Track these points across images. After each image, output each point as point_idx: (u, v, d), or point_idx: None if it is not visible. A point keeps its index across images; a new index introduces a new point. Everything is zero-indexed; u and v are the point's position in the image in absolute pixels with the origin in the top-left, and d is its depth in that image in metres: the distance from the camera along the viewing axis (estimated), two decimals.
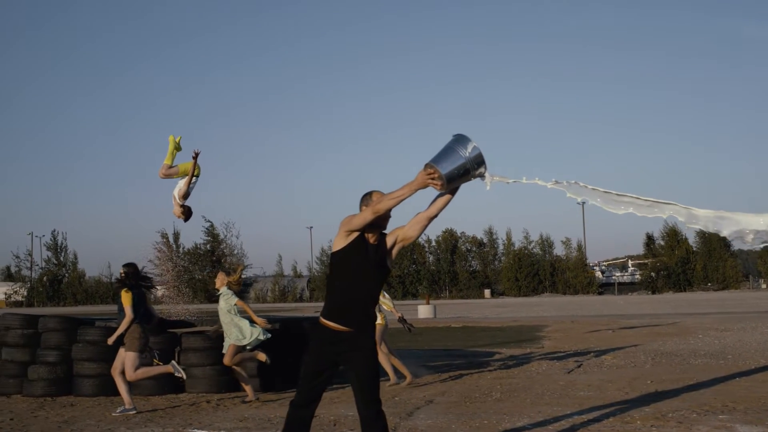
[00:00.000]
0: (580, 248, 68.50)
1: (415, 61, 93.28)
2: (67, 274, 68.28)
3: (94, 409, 7.91)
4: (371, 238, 4.36)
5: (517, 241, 68.30)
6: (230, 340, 8.43)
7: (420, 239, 67.92)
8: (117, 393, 8.34)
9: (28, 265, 68.93)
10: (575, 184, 4.21)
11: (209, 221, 65.80)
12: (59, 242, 67.90)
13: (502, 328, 21.30)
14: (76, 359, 8.75)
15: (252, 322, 8.70)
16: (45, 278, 67.21)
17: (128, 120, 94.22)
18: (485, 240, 68.93)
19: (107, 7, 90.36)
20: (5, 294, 66.64)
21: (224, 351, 8.44)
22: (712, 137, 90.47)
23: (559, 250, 68.77)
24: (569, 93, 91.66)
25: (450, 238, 67.71)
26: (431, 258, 67.62)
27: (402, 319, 9.58)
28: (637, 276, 71.79)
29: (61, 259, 68.13)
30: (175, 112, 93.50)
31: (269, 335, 8.53)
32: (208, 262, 64.55)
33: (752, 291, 62.95)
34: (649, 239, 73.44)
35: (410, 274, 66.47)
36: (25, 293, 66.62)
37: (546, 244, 68.37)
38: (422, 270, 66.98)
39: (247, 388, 8.30)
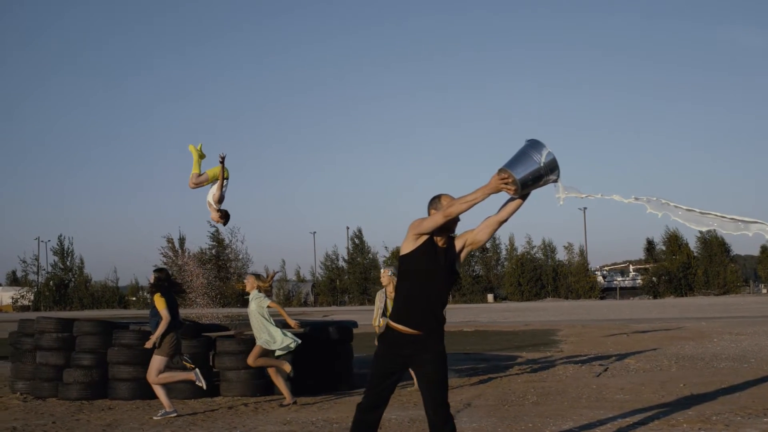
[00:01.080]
0: (582, 253, 68.58)
1: (417, 66, 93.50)
2: (73, 279, 68.63)
3: (134, 412, 7.93)
4: (440, 241, 4.39)
5: (520, 246, 68.42)
6: (259, 342, 8.46)
7: None
8: (153, 396, 8.40)
9: (35, 269, 69.42)
10: (656, 200, 4.17)
11: (214, 226, 65.80)
12: (66, 247, 68.26)
13: (515, 332, 21.33)
14: (112, 363, 8.78)
15: (285, 327, 8.73)
16: (51, 283, 67.47)
17: (132, 125, 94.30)
18: (488, 245, 68.93)
19: (113, 13, 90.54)
20: (12, 298, 66.97)
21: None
22: (711, 143, 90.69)
23: (561, 255, 68.90)
24: (567, 98, 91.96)
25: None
26: None
27: None
28: (639, 281, 71.86)
29: (68, 263, 68.41)
30: (180, 118, 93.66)
31: (299, 342, 8.48)
32: (213, 267, 64.68)
33: (753, 296, 62.97)
34: (650, 244, 73.59)
35: None
36: (32, 297, 66.92)
37: (548, 249, 68.41)
38: None
39: (285, 392, 8.32)
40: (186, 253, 63.66)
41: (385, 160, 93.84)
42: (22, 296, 66.79)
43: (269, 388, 8.98)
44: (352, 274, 65.96)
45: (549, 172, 4.15)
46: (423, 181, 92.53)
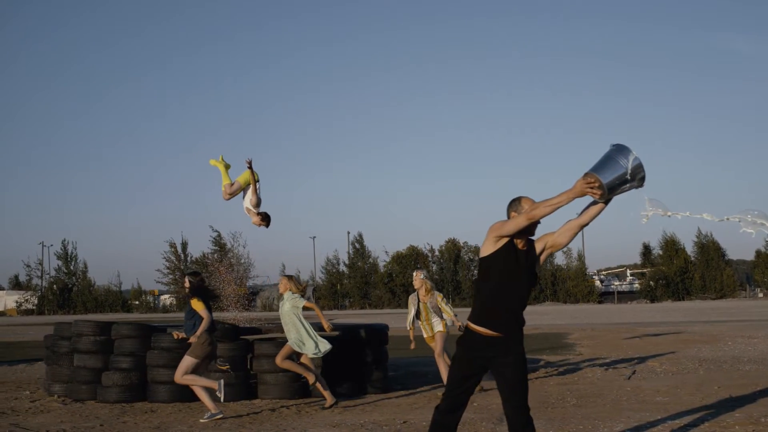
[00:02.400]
0: (581, 258, 68.79)
1: (419, 72, 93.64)
2: (77, 283, 68.72)
3: (177, 415, 7.96)
4: (520, 243, 4.41)
5: None
6: (289, 342, 8.49)
7: (424, 249, 68.15)
8: (192, 399, 8.45)
9: (39, 273, 69.65)
10: (747, 218, 4.16)
11: (216, 231, 66.05)
12: (69, 251, 68.31)
13: (525, 336, 21.36)
14: (151, 366, 8.79)
15: (320, 330, 8.75)
16: (55, 286, 67.55)
17: (135, 130, 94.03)
18: None
19: (114, 17, 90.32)
20: (17, 302, 66.95)
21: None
22: (704, 148, 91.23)
23: (559, 260, 69.07)
24: (563, 104, 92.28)
25: (453, 248, 67.77)
26: (435, 267, 67.65)
27: (463, 328, 9.56)
28: (636, 285, 72.19)
29: (71, 268, 68.42)
30: (181, 123, 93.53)
31: (330, 347, 8.46)
32: (215, 271, 64.59)
33: (750, 300, 63.29)
34: (646, 249, 74.00)
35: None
36: (36, 301, 67.03)
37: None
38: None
39: (326, 394, 8.34)
40: (188, 258, 63.89)
41: (385, 166, 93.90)
42: (26, 300, 66.81)
43: (307, 391, 9.02)
44: (352, 279, 65.97)
45: (635, 177, 4.19)
46: (421, 187, 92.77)
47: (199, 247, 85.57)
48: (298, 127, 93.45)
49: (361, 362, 9.44)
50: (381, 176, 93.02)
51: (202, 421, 7.47)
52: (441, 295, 9.50)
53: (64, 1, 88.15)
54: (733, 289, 68.20)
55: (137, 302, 67.48)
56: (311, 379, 8.37)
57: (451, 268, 67.22)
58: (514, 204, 4.47)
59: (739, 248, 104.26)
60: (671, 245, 70.23)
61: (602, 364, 12.30)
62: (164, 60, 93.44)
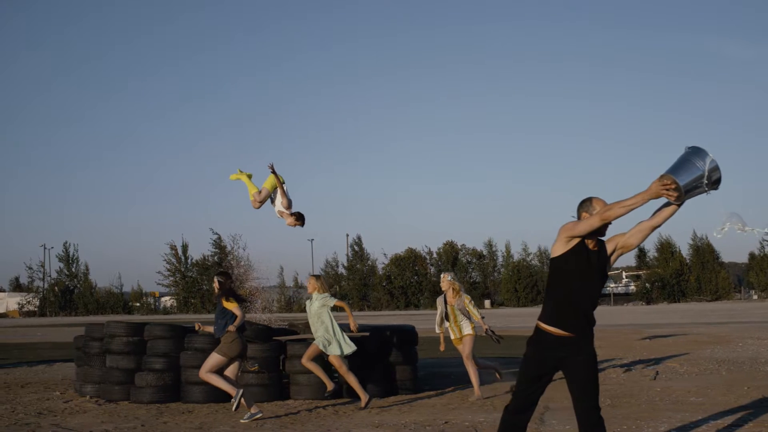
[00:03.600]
0: None
1: (418, 75, 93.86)
2: (78, 285, 68.88)
3: (215, 415, 7.98)
4: (590, 243, 4.44)
5: (516, 253, 68.96)
6: (316, 342, 8.53)
7: (422, 251, 68.32)
8: (227, 399, 8.46)
9: (41, 275, 69.87)
10: None
11: (217, 233, 66.09)
12: (71, 254, 68.34)
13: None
14: (185, 366, 8.81)
15: (345, 330, 8.79)
16: (56, 288, 67.66)
17: (135, 132, 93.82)
18: (485, 252, 69.46)
19: (115, 19, 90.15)
20: (18, 304, 67.12)
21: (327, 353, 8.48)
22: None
23: None
24: (556, 106, 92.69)
25: (451, 250, 68.05)
26: (433, 269, 67.86)
27: (490, 331, 9.58)
28: (632, 287, 72.51)
29: (73, 270, 68.51)
30: (181, 125, 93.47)
31: (354, 349, 8.53)
32: (215, 274, 64.50)
33: (745, 302, 63.66)
34: (641, 251, 74.44)
35: (412, 285, 66.71)
36: (38, 303, 67.18)
37: (544, 256, 68.81)
38: (424, 281, 67.26)
39: (361, 393, 8.38)
40: (189, 260, 63.76)
41: (383, 169, 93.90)
42: (28, 302, 66.99)
43: (338, 392, 9.04)
44: (351, 281, 66.07)
45: (710, 179, 4.22)
46: (419, 190, 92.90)
47: (200, 249, 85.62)
48: (297, 130, 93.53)
49: (392, 363, 9.47)
50: (379, 179, 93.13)
51: (242, 421, 7.49)
52: (469, 297, 9.48)
53: (67, 2, 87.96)
54: (727, 291, 68.61)
55: (138, 304, 67.49)
56: (330, 386, 8.39)
57: (449, 270, 67.50)
58: (585, 204, 4.50)
59: (731, 251, 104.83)
60: (666, 248, 70.65)
61: (622, 365, 12.36)
62: (165, 62, 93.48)
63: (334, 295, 8.88)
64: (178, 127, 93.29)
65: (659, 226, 4.45)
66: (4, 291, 70.65)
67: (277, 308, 61.44)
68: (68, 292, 67.94)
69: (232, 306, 7.89)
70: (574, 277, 4.42)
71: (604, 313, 42.61)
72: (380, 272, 67.35)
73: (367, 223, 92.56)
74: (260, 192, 9.11)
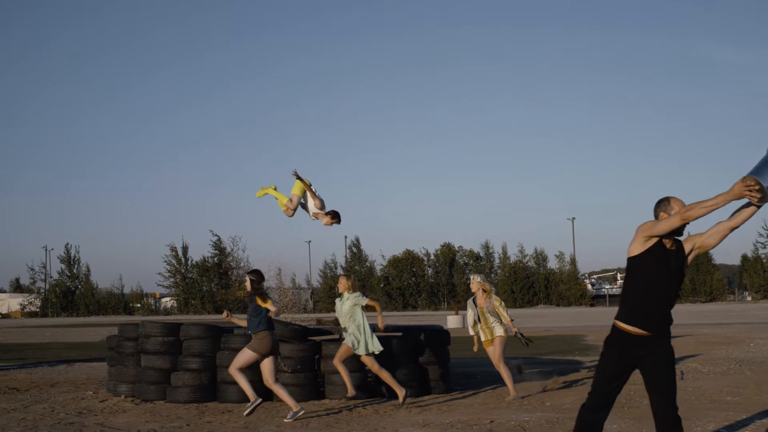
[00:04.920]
0: (573, 261, 69.36)
1: (417, 78, 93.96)
2: (80, 286, 69.01)
3: (256, 414, 7.98)
4: (668, 243, 4.49)
5: (513, 254, 69.13)
6: (346, 341, 8.57)
7: (419, 253, 68.43)
8: (264, 399, 8.48)
9: (42, 277, 70.11)
10: None
11: (216, 235, 66.01)
12: (72, 255, 68.39)
13: (544, 338, 21.54)
14: (221, 366, 8.81)
15: (374, 329, 8.83)
16: (57, 289, 67.79)
17: (137, 134, 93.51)
18: (482, 254, 69.67)
19: (118, 21, 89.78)
20: (20, 305, 67.21)
21: (358, 353, 8.52)
22: (684, 156, 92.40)
23: (552, 264, 69.69)
24: (550, 110, 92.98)
25: (448, 252, 68.19)
26: (430, 271, 68.02)
27: (519, 334, 9.60)
28: None
29: (74, 271, 68.60)
30: (182, 127, 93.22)
31: (381, 349, 8.57)
32: (215, 275, 64.67)
33: (740, 303, 64.08)
34: None
35: (410, 287, 66.82)
36: (39, 304, 67.29)
37: (540, 257, 69.14)
38: (422, 282, 67.40)
39: (397, 388, 8.45)
40: (189, 261, 63.76)
41: (381, 171, 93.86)
42: (30, 303, 67.01)
43: (373, 392, 9.09)
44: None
45: None
46: (417, 192, 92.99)
47: (200, 251, 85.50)
48: (295, 131, 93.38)
49: (425, 362, 9.51)
50: (377, 181, 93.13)
51: (286, 420, 7.51)
52: (499, 299, 9.45)
53: (71, 2, 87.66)
54: (722, 293, 69.04)
55: (138, 305, 67.50)
56: (350, 392, 8.41)
57: (447, 271, 67.62)
58: (663, 204, 4.53)
59: (722, 253, 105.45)
60: None
61: None
62: (165, 64, 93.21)
63: (365, 295, 8.97)
64: (178, 129, 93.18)
65: (738, 227, 4.48)
66: (5, 292, 70.67)
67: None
68: (70, 293, 68.02)
69: (267, 303, 7.92)
70: (652, 277, 4.46)
71: (601, 314, 42.72)
72: (378, 274, 67.45)
73: (365, 225, 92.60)
74: (291, 200, 9.09)
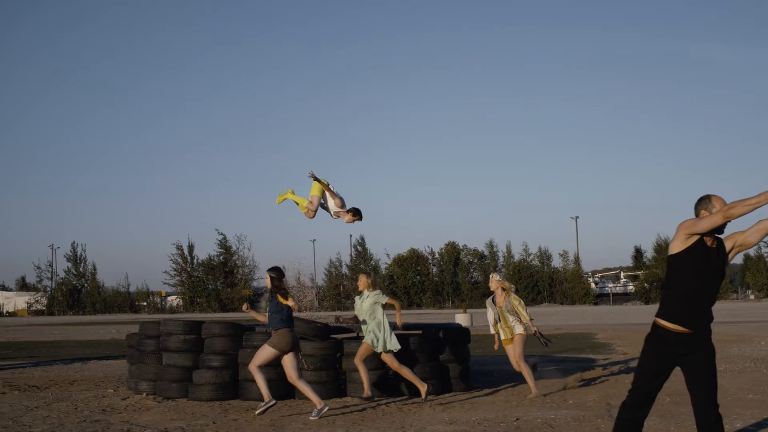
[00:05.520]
0: (577, 260, 69.40)
1: (423, 77, 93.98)
2: (86, 284, 69.19)
3: (280, 412, 8.00)
4: (708, 241, 4.49)
5: (517, 253, 69.23)
6: (366, 340, 8.57)
7: (424, 251, 68.44)
8: (282, 397, 8.53)
9: (49, 275, 70.34)
10: None
11: (222, 234, 66.05)
12: (78, 254, 68.75)
13: (554, 336, 21.53)
14: (243, 364, 8.82)
15: (394, 327, 8.84)
16: (64, 288, 68.03)
17: (143, 132, 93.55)
18: (486, 252, 69.75)
19: (122, 21, 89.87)
20: (27, 303, 67.45)
21: (379, 350, 8.55)
22: (686, 157, 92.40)
23: (556, 262, 69.78)
24: (547, 109, 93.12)
25: (452, 251, 68.27)
26: (435, 269, 68.09)
27: (538, 333, 9.59)
28: (630, 287, 72.92)
29: (81, 269, 68.94)
30: (188, 126, 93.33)
31: (399, 348, 8.61)
32: (221, 274, 64.79)
33: (743, 302, 64.08)
34: (638, 252, 74.95)
35: (415, 285, 66.92)
36: (46, 302, 67.48)
37: (544, 256, 69.20)
38: (426, 281, 67.48)
39: (419, 383, 8.48)
40: (195, 260, 63.63)
41: (386, 170, 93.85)
42: (37, 301, 67.23)
43: (395, 390, 9.09)
44: (354, 280, 66.22)
45: None
46: (421, 191, 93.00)
47: (206, 249, 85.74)
48: (300, 130, 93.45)
49: (445, 360, 9.52)
50: (382, 180, 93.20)
51: (312, 418, 7.51)
52: (518, 298, 9.43)
53: (75, 4, 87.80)
54: (725, 291, 69.09)
55: (144, 303, 67.68)
56: (366, 393, 8.42)
57: (451, 270, 67.69)
58: (704, 202, 4.54)
59: None
60: (665, 249, 71.12)
61: None
62: (170, 63, 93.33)
63: (385, 293, 8.99)
64: (185, 128, 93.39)
65: None
66: (11, 290, 70.82)
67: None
68: (76, 291, 68.29)
69: (288, 300, 7.94)
70: (693, 274, 4.46)
71: (606, 312, 42.75)
72: (383, 272, 67.52)
73: (370, 223, 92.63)
74: (311, 202, 9.08)
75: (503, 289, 9.46)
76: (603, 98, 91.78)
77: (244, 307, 8.49)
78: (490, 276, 9.68)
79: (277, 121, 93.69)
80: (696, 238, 4.47)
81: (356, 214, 8.97)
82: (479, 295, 66.15)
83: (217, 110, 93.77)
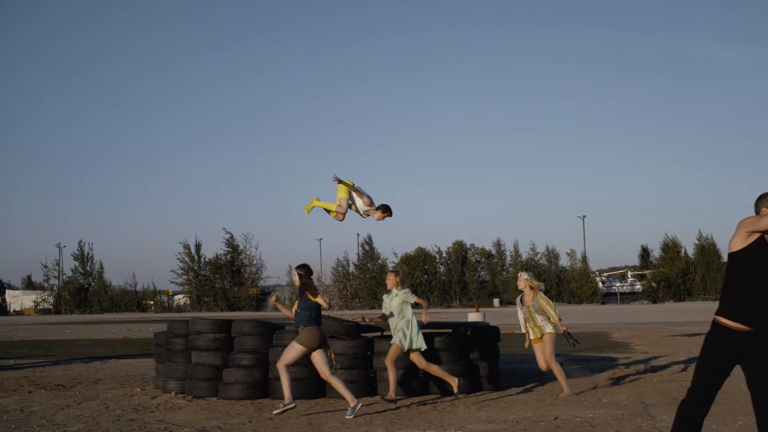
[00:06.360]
0: (584, 259, 69.33)
1: (429, 77, 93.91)
2: (93, 283, 69.29)
3: (314, 409, 7.96)
4: None
5: (524, 252, 69.18)
6: (394, 339, 8.53)
7: (431, 251, 68.39)
8: (314, 396, 8.52)
9: (56, 274, 70.46)
10: None
11: (229, 233, 66.05)
12: (86, 252, 68.71)
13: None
14: (274, 363, 8.77)
15: (419, 326, 8.80)
16: (71, 286, 68.13)
17: (149, 132, 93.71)
18: (493, 251, 69.67)
19: (127, 20, 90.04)
20: (34, 302, 67.53)
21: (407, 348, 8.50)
22: (688, 156, 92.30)
23: (563, 262, 69.70)
24: (546, 108, 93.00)
25: (460, 250, 68.21)
26: (442, 268, 68.06)
27: (567, 333, 9.51)
28: (638, 286, 72.84)
29: (88, 268, 68.98)
30: (194, 125, 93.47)
31: (425, 348, 8.57)
32: (228, 272, 64.86)
33: None
34: (644, 251, 74.90)
35: (422, 284, 66.86)
36: (53, 301, 67.61)
37: (552, 255, 69.12)
38: (434, 280, 67.45)
39: (451, 380, 8.48)
40: (202, 259, 63.64)
41: (393, 168, 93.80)
42: (44, 300, 67.32)
43: (425, 389, 9.05)
44: (361, 279, 66.29)
45: None
46: (429, 190, 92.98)
47: (213, 248, 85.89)
48: (305, 130, 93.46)
49: (476, 359, 9.48)
50: (389, 179, 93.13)
51: (348, 417, 7.47)
52: (546, 298, 9.36)
53: (79, 3, 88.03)
54: None
55: (152, 302, 67.73)
56: (391, 394, 8.37)
57: (458, 269, 67.66)
58: (765, 199, 4.49)
59: (727, 250, 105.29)
60: (672, 248, 70.95)
61: (678, 362, 12.38)
62: (177, 62, 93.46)
63: (414, 292, 8.96)
64: (192, 127, 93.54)
65: None
66: (18, 289, 70.96)
67: (289, 306, 61.87)
68: (83, 290, 68.34)
69: (316, 297, 7.91)
70: (753, 272, 4.41)
71: (616, 312, 42.68)
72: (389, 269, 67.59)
73: (378, 222, 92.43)
74: (340, 205, 9.03)
75: (531, 288, 9.39)
76: (607, 98, 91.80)
77: (273, 299, 8.46)
78: (519, 275, 9.61)
79: (283, 120, 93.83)
80: (757, 236, 4.41)
81: (386, 210, 8.92)
82: (486, 294, 66.10)
83: (224, 109, 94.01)
